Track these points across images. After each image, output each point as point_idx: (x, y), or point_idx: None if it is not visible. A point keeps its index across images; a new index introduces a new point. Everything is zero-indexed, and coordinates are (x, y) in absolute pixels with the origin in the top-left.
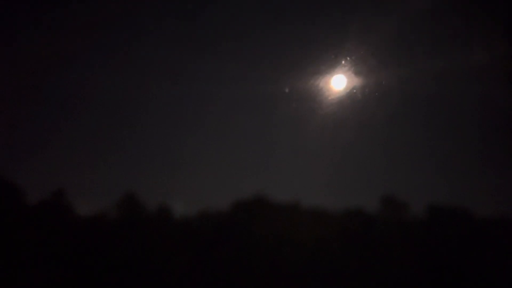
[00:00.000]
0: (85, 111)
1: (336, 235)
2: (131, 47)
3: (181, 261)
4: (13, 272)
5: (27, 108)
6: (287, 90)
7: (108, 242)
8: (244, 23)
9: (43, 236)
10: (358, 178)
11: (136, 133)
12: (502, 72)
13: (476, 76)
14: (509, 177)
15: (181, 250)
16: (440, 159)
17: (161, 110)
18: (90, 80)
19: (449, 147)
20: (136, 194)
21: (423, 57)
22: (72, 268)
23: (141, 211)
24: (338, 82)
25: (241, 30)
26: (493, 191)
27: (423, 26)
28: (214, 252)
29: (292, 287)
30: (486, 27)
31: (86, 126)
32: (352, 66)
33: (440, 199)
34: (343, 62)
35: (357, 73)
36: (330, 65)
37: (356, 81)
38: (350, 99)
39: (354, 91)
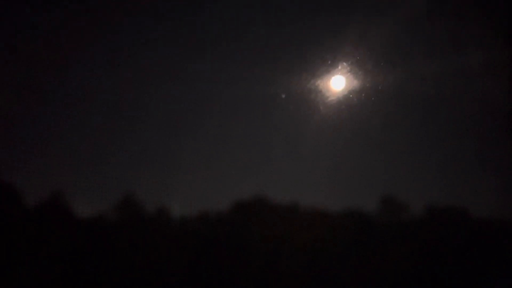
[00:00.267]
0: (84, 111)
1: (335, 236)
2: (129, 48)
3: (181, 262)
4: (13, 274)
5: (26, 108)
6: (285, 92)
7: (107, 243)
8: (242, 24)
9: (42, 237)
10: (357, 179)
11: (134, 134)
12: (499, 73)
13: (473, 77)
14: (507, 178)
15: (181, 251)
16: (439, 160)
17: (160, 111)
18: (89, 81)
19: (448, 148)
20: (135, 195)
21: (420, 59)
22: (72, 270)
23: (140, 212)
24: (336, 84)
25: (239, 31)
26: (492, 191)
27: (420, 27)
28: (213, 253)
29: None
30: (482, 29)
31: (85, 127)
32: (350, 67)
33: (439, 199)
34: (341, 63)
35: (355, 74)
36: (328, 67)
37: (354, 82)
38: (348, 101)
39: (353, 92)
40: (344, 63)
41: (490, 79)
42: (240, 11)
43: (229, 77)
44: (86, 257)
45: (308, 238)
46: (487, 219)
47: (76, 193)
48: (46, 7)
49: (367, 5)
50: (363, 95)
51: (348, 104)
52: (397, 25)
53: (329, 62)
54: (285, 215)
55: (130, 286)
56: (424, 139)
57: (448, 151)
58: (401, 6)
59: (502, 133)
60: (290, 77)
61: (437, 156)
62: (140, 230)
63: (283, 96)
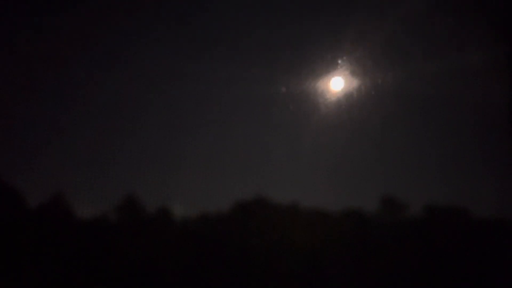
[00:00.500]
0: (84, 112)
1: (335, 236)
2: (130, 49)
3: (182, 263)
4: (14, 275)
5: (27, 109)
6: (285, 92)
7: (109, 244)
8: (241, 25)
9: (43, 239)
10: (357, 179)
11: (135, 135)
12: (498, 73)
13: (473, 77)
14: (507, 178)
15: (182, 251)
16: (438, 160)
17: (161, 112)
18: (90, 81)
19: (447, 148)
20: (136, 196)
21: (420, 59)
22: (73, 271)
23: (141, 213)
24: (336, 83)
25: (238, 31)
26: (492, 191)
27: (419, 27)
28: (214, 253)
29: None
30: (482, 28)
31: (86, 128)
32: (349, 67)
33: (439, 199)
34: (340, 63)
35: (354, 74)
36: (328, 67)
37: (354, 82)
38: (348, 101)
39: (352, 92)
40: (344, 63)
41: (490, 79)
42: (240, 11)
43: (229, 77)
44: (87, 258)
45: (308, 238)
46: (487, 219)
47: (77, 193)
48: (46, 7)
49: (367, 5)
50: (363, 95)
51: (348, 104)
52: (396, 25)
53: (329, 62)
54: (285, 215)
55: (131, 286)
56: (424, 139)
57: (448, 151)
58: (400, 6)
59: (501, 133)
60: (290, 77)
61: (437, 156)
62: (141, 230)
63: (283, 90)
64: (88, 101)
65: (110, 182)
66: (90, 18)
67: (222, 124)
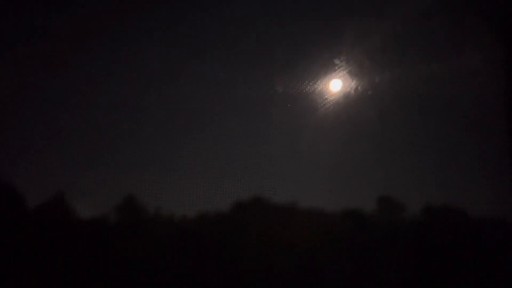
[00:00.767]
0: (83, 113)
1: (334, 236)
2: (129, 49)
3: (180, 263)
4: (13, 276)
5: (26, 109)
6: (285, 92)
7: (108, 244)
8: (239, 25)
9: (43, 239)
10: (356, 179)
11: (134, 135)
12: (497, 73)
13: (472, 77)
14: (505, 178)
15: (180, 251)
16: (437, 160)
17: (160, 112)
18: (90, 81)
19: (446, 148)
20: (134, 196)
21: (418, 60)
22: (72, 271)
23: (140, 212)
24: (334, 84)
25: (236, 32)
26: (490, 192)
27: (418, 28)
28: (213, 253)
29: None
30: (480, 30)
31: (85, 128)
32: (347, 68)
33: (438, 199)
34: (339, 64)
35: (352, 75)
36: (326, 67)
37: (352, 83)
38: (346, 101)
39: (351, 92)
40: (342, 64)
41: (488, 80)
42: (238, 12)
43: (229, 78)
44: (86, 258)
45: (307, 238)
46: (487, 219)
47: (76, 194)
48: (46, 7)
49: (365, 6)
50: (361, 95)
51: (347, 104)
52: (394, 26)
53: (328, 63)
54: (284, 215)
55: (131, 286)
56: (423, 140)
57: (446, 151)
58: (400, 6)
59: (500, 134)
60: (290, 77)
61: (435, 156)
62: (140, 231)
63: (282, 90)
64: (88, 101)
65: (110, 182)
66: (90, 18)
67: (221, 124)
